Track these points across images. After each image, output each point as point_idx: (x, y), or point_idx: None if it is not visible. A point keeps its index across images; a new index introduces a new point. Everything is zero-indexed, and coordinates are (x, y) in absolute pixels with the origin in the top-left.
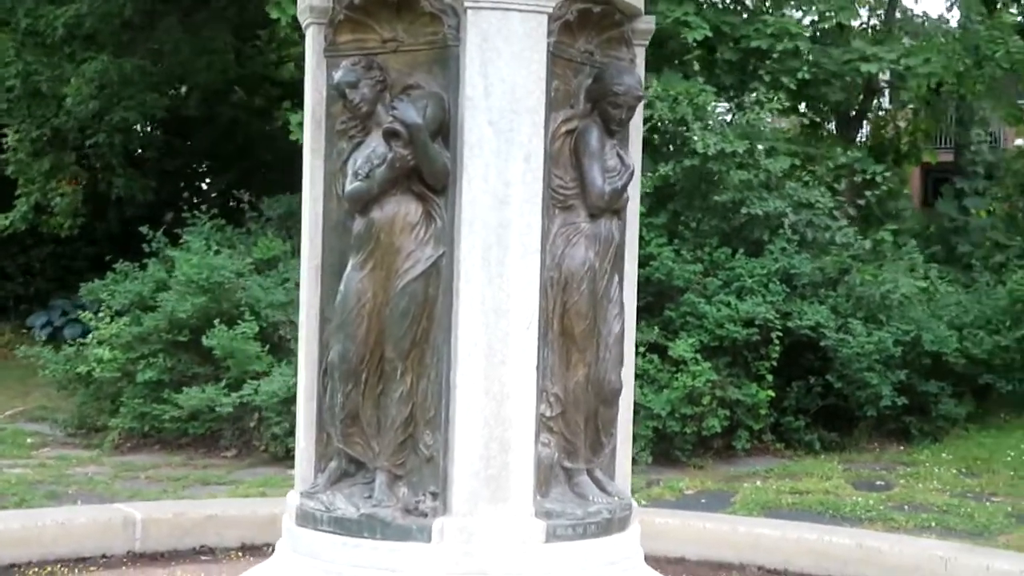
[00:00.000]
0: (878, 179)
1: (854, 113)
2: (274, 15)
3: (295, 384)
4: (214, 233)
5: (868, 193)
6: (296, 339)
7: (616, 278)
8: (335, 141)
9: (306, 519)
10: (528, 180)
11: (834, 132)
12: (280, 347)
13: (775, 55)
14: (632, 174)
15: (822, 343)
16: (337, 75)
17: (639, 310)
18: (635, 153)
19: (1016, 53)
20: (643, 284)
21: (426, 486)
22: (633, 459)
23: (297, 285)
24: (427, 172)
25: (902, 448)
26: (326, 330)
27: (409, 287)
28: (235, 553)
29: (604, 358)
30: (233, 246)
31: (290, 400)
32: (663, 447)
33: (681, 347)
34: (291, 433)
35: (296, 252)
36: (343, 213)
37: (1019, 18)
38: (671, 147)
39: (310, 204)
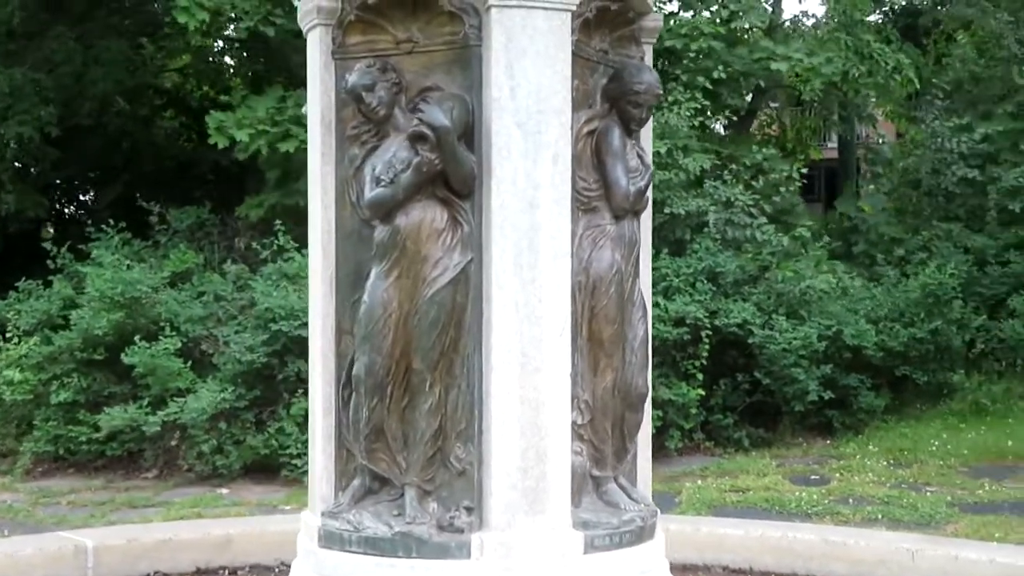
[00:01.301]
0: (795, 175)
1: (743, 113)
2: (181, 19)
3: (223, 400)
4: (120, 247)
5: (782, 190)
6: (219, 353)
7: (638, 280)
8: (347, 146)
9: (332, 540)
10: (557, 182)
11: (721, 132)
12: (202, 362)
13: (691, 54)
14: (652, 174)
15: (749, 340)
16: (352, 78)
17: None
18: (648, 152)
19: (906, 68)
20: None
21: (458, 501)
22: None
23: (216, 298)
24: (454, 176)
25: (828, 442)
26: (343, 341)
27: (438, 295)
28: None
29: (630, 362)
30: (142, 260)
31: (218, 416)
32: None
33: None
34: (218, 451)
35: (209, 265)
36: (358, 221)
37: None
38: None
39: (321, 212)
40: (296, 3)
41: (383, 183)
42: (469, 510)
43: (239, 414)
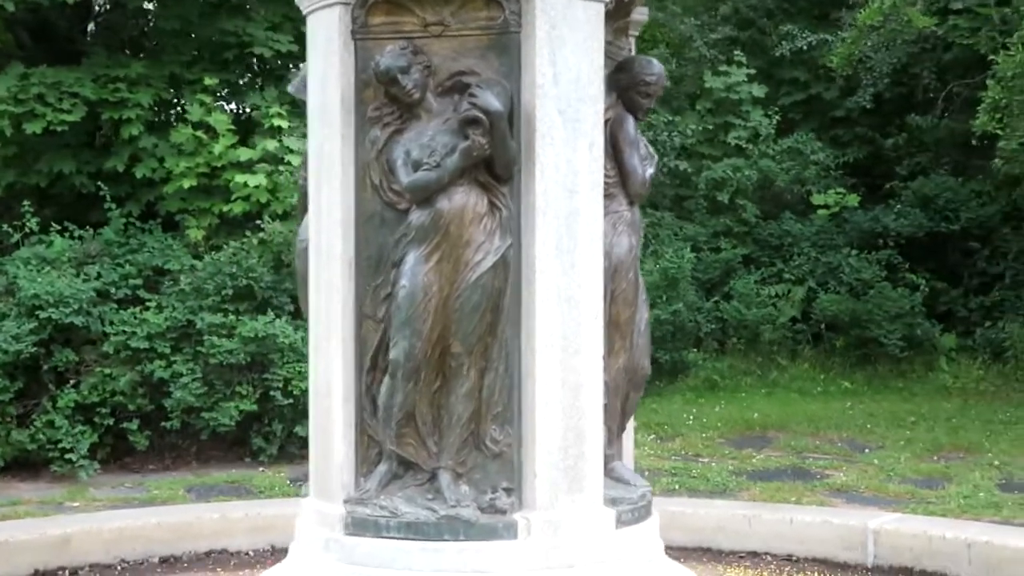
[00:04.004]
0: None
1: None
2: None
3: None
4: None
5: None
6: None
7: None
8: (367, 128)
9: (363, 527)
10: (592, 169)
11: None
12: None
13: None
14: (657, 161)
15: None
16: (385, 60)
17: None
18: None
19: None
20: None
21: (493, 482)
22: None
23: None
24: (500, 161)
25: None
26: (364, 326)
27: (481, 280)
28: None
29: (638, 344)
30: None
31: None
32: None
33: None
34: None
35: None
36: (380, 204)
37: None
38: None
39: (340, 195)
40: None
41: (426, 167)
42: (508, 491)
43: (1, 408)
